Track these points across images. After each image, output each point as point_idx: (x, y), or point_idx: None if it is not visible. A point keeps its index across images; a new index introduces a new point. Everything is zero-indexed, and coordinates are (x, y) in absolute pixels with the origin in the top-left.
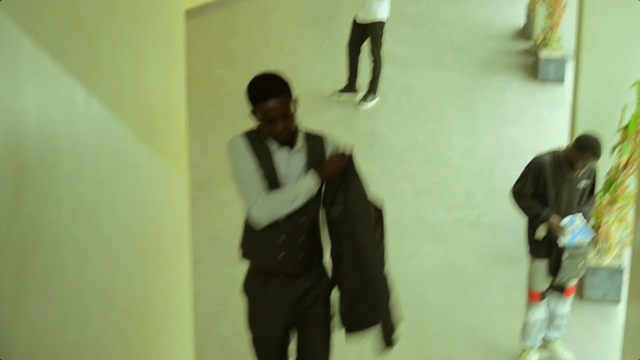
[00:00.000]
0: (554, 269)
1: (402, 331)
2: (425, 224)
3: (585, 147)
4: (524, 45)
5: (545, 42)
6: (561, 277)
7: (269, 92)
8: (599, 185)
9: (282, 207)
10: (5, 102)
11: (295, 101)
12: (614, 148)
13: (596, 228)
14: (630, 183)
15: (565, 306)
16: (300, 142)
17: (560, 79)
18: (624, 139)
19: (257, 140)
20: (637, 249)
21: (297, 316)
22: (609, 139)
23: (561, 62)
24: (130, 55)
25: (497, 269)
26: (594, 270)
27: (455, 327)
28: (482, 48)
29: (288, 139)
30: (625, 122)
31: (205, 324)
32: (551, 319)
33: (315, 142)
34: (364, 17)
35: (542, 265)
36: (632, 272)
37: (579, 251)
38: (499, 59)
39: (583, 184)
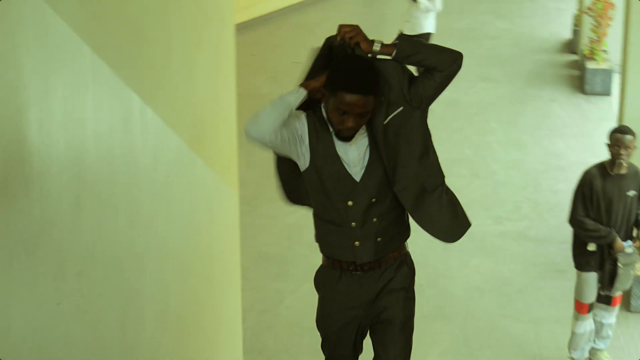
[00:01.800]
0: (609, 279)
1: (450, 343)
2: (472, 236)
3: (612, 131)
4: (571, 57)
5: (591, 55)
6: (617, 287)
7: (357, 87)
8: None
9: (262, 112)
10: (67, 110)
11: (380, 100)
12: None
13: None
14: None
15: (612, 316)
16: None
17: (606, 92)
18: None
19: (320, 122)
20: None
21: (373, 317)
22: None
23: (608, 74)
24: (182, 66)
25: (544, 281)
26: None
27: (502, 340)
28: (528, 61)
29: (349, 137)
30: None
31: (254, 338)
32: (598, 330)
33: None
34: (410, 30)
35: (591, 277)
36: None
37: (631, 259)
38: (545, 72)
39: (632, 193)
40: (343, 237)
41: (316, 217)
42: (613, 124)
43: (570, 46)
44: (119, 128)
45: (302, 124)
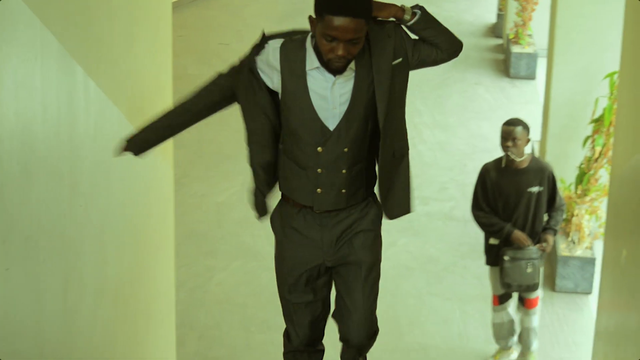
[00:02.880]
0: (499, 274)
1: (379, 320)
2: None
3: (502, 124)
4: (496, 41)
5: (516, 39)
6: (505, 282)
7: (346, 8)
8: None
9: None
10: (18, 80)
11: (370, 24)
12: (586, 140)
13: (568, 219)
14: (602, 175)
15: (530, 320)
16: (352, 66)
17: (531, 75)
18: (596, 131)
19: (294, 50)
20: (609, 240)
21: (337, 259)
22: (581, 131)
23: (532, 58)
24: (124, 41)
25: (470, 260)
26: (565, 261)
27: (430, 317)
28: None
29: (342, 68)
30: (597, 115)
31: (185, 313)
32: (520, 333)
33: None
34: None
35: (493, 270)
36: (604, 262)
37: (523, 255)
38: (471, 55)
39: (535, 189)
40: (305, 180)
41: (282, 152)
42: (538, 107)
43: (495, 30)
44: (64, 99)
45: (274, 57)
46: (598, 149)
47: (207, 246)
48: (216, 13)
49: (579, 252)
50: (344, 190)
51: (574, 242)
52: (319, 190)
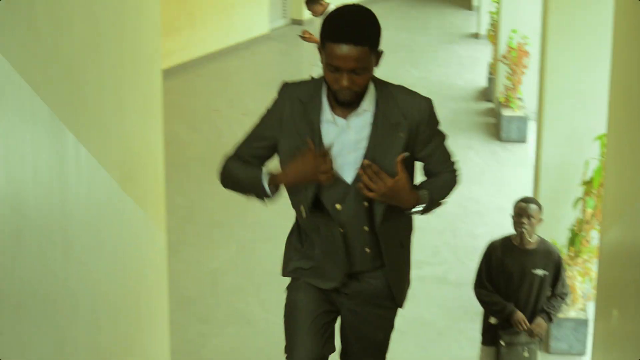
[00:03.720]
0: (495, 357)
1: None
2: None
3: (516, 201)
4: (487, 105)
5: (507, 102)
6: None
7: (344, 35)
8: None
9: (232, 185)
10: (8, 144)
11: (378, 55)
12: (576, 202)
13: None
14: (593, 237)
15: None
16: (367, 104)
17: (522, 139)
18: (587, 193)
19: (311, 97)
20: (600, 300)
21: (350, 305)
22: (572, 193)
23: (523, 122)
24: (114, 107)
25: (464, 324)
26: (559, 322)
27: None
28: (445, 109)
29: (350, 101)
30: (588, 176)
31: None
32: None
33: (390, 103)
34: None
35: (486, 351)
36: (595, 323)
37: (519, 340)
38: (462, 120)
39: (540, 272)
40: (304, 255)
41: (296, 218)
42: (529, 170)
43: (486, 94)
44: (55, 164)
45: (282, 104)
46: (589, 210)
47: (201, 312)
48: (207, 80)
49: (572, 313)
50: (368, 250)
51: (567, 304)
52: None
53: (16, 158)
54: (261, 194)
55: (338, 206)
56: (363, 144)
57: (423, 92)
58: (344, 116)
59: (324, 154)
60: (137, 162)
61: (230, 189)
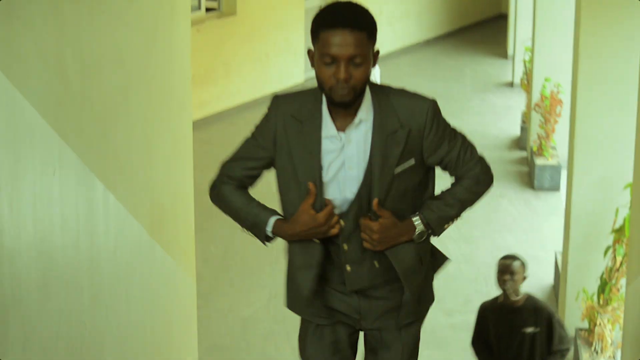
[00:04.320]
0: None
1: None
2: (423, 328)
3: (499, 259)
4: (520, 154)
5: (540, 151)
6: None
7: (341, 20)
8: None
9: (225, 211)
10: (36, 192)
11: (376, 52)
12: (607, 250)
13: (591, 328)
14: (623, 285)
15: None
16: (364, 113)
17: (555, 187)
18: (617, 240)
19: (309, 112)
20: (627, 347)
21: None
22: (602, 240)
23: (556, 170)
24: (143, 155)
25: None
26: None
27: None
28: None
29: (348, 101)
30: (618, 224)
31: None
32: None
33: (387, 110)
34: None
35: None
36: None
37: None
38: (495, 168)
39: (530, 330)
40: (329, 257)
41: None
42: (562, 219)
43: (520, 143)
44: (83, 211)
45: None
46: (619, 258)
47: (232, 359)
48: (241, 129)
49: None
50: (377, 263)
51: (597, 352)
52: (348, 267)
53: (44, 205)
54: (261, 238)
55: (345, 246)
56: (365, 158)
57: None
58: (343, 129)
59: (328, 213)
60: (167, 210)
61: (222, 210)
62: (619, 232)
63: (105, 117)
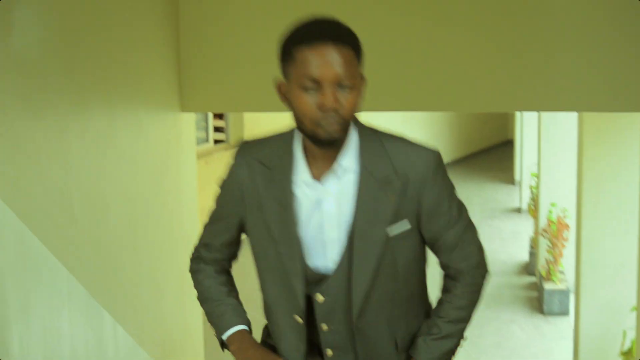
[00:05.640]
0: None
1: None
2: None
3: None
4: (529, 279)
5: (548, 276)
6: None
7: (322, 33)
8: None
9: (198, 297)
10: (46, 326)
11: (363, 77)
12: None
13: None
14: None
15: None
16: (348, 159)
17: (565, 311)
18: None
19: (279, 156)
20: None
21: None
22: None
23: (565, 295)
24: (151, 285)
25: None
26: None
27: None
28: (488, 284)
29: (338, 138)
30: (626, 347)
31: None
32: None
33: (379, 154)
34: None
35: None
36: None
37: None
38: (504, 294)
39: None
40: (303, 340)
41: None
42: (571, 343)
43: (528, 268)
44: (93, 344)
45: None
46: None
47: None
48: (248, 259)
49: None
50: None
51: None
52: (329, 352)
53: (54, 338)
54: (219, 341)
55: (324, 327)
56: (348, 216)
57: None
58: (319, 178)
59: None
60: (176, 342)
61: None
62: (627, 354)
63: (113, 251)
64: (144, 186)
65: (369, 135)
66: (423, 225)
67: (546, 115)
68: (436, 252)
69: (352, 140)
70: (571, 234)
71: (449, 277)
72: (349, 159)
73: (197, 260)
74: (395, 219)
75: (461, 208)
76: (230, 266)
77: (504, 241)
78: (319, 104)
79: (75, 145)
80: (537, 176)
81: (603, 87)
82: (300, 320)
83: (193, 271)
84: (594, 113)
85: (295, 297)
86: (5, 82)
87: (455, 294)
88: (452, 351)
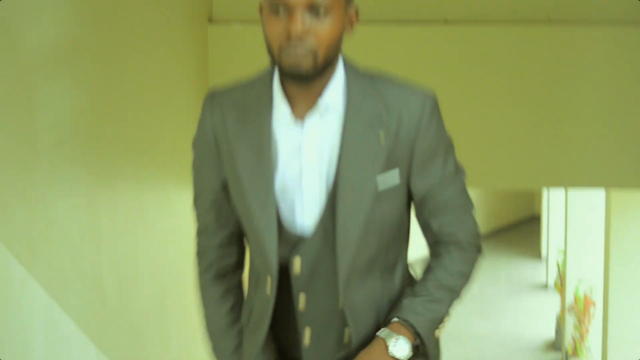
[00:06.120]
0: None
1: None
2: None
3: None
4: (556, 355)
5: (575, 353)
6: None
7: None
8: None
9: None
10: None
11: (354, 11)
12: None
13: None
14: None
15: None
16: (333, 94)
17: None
18: None
19: (257, 95)
20: None
21: None
22: None
23: None
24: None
25: None
26: None
27: None
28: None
29: (305, 72)
30: None
31: None
32: None
33: (369, 93)
34: None
35: None
36: None
37: None
38: None
39: None
40: (282, 317)
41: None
42: None
43: (555, 345)
44: None
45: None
46: None
47: None
48: None
49: None
50: (346, 330)
51: None
52: (307, 332)
53: None
54: None
55: (302, 297)
56: (331, 163)
57: (492, 345)
58: (302, 117)
59: None
60: None
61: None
62: None
63: (142, 328)
64: (174, 261)
65: (358, 73)
66: (414, 179)
67: (573, 191)
68: (426, 218)
69: (338, 77)
70: (597, 311)
71: (441, 244)
72: (333, 96)
73: (202, 264)
74: (387, 166)
75: (459, 169)
76: (240, 253)
77: (530, 317)
78: (288, 26)
79: (105, 223)
80: (564, 252)
81: (630, 163)
82: (268, 291)
83: (199, 286)
84: (621, 189)
85: (266, 262)
86: (36, 158)
87: (452, 256)
88: (441, 320)
